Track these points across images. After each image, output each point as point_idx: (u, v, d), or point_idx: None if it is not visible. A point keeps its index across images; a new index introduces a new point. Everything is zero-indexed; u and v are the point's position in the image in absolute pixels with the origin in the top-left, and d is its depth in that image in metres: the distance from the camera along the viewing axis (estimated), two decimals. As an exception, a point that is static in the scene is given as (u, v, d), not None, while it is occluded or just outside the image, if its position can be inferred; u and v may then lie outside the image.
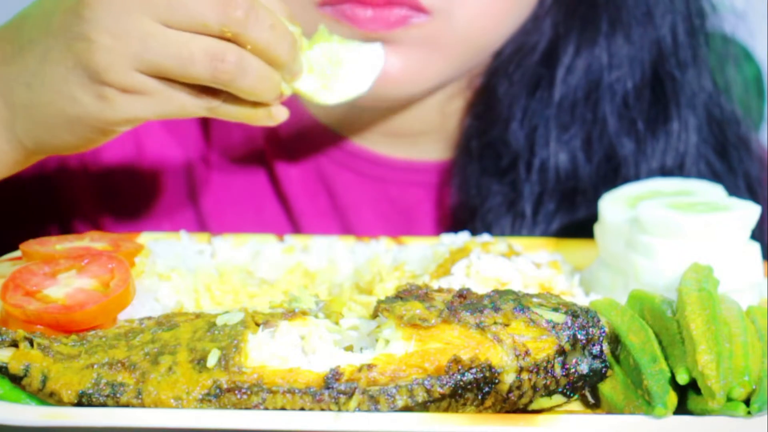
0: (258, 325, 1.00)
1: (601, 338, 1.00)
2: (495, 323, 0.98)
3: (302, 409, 0.94)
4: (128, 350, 0.98)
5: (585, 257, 1.27)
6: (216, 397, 0.95)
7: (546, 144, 1.40)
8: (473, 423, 0.94)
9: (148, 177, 1.45)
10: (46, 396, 0.97)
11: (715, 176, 1.40)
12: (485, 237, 1.27)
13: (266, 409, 0.94)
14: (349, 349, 1.00)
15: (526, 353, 0.97)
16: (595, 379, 1.00)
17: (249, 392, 0.95)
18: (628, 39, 1.40)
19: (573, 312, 1.00)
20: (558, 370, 0.98)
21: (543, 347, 0.98)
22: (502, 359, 0.96)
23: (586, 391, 1.01)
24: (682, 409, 0.97)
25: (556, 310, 1.00)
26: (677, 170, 1.40)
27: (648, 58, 1.40)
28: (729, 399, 0.94)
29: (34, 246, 1.12)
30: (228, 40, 1.06)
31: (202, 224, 1.45)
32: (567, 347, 0.98)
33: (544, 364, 0.97)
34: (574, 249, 1.30)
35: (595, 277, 1.22)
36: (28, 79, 1.08)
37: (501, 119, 1.42)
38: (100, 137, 1.11)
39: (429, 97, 1.42)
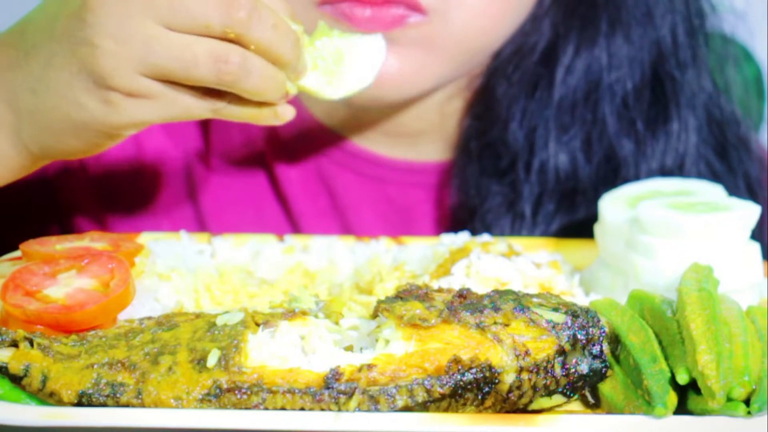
0: (258, 325, 1.00)
1: (601, 338, 1.00)
2: (495, 323, 0.98)
3: (302, 409, 0.94)
4: (128, 350, 0.98)
5: (585, 257, 1.27)
6: (216, 397, 0.95)
7: (545, 144, 1.40)
8: (473, 423, 0.94)
9: (148, 177, 1.45)
10: (46, 396, 0.97)
11: (715, 176, 1.40)
12: (485, 237, 1.27)
13: (266, 409, 0.94)
14: (349, 349, 1.00)
15: (526, 353, 0.97)
16: (595, 379, 1.00)
17: (249, 392, 0.95)
18: (627, 39, 1.40)
19: (573, 312, 1.00)
20: (558, 370, 0.98)
21: (543, 347, 0.98)
22: (502, 359, 0.96)
23: (586, 391, 1.01)
24: (682, 409, 0.97)
25: (556, 310, 1.00)
26: (677, 170, 1.40)
27: (648, 59, 1.40)
28: (729, 399, 0.94)
29: (34, 246, 1.12)
30: (231, 41, 1.06)
31: (202, 224, 1.45)
32: (567, 347, 0.98)
33: (544, 364, 0.97)
34: (574, 249, 1.30)
35: (595, 277, 1.22)
36: (33, 85, 1.08)
37: (500, 120, 1.42)
38: (106, 142, 1.10)
39: (428, 97, 1.41)
